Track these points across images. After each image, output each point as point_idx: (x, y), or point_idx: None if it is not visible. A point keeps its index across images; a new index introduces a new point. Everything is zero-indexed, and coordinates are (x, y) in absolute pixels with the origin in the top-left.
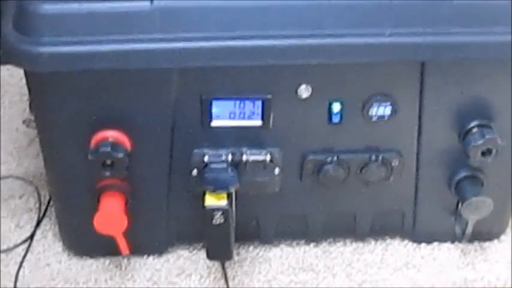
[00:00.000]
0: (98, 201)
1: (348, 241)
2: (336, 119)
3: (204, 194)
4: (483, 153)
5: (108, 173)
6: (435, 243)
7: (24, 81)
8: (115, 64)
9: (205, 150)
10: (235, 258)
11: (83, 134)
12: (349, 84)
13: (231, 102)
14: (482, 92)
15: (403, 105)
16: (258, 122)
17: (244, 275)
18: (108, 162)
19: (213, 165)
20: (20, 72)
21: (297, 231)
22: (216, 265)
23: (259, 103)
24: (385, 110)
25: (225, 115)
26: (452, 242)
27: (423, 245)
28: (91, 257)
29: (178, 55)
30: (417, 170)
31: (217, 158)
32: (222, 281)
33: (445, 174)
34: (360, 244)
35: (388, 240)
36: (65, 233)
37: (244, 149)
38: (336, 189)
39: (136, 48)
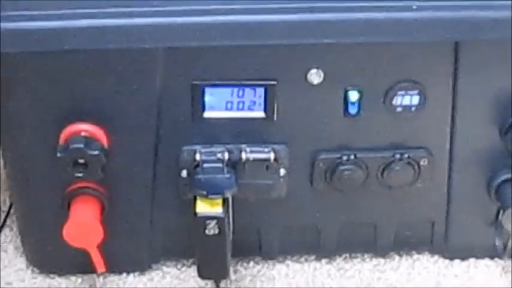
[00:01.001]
0: (68, 208)
1: (366, 257)
2: (353, 110)
3: (195, 200)
4: None
5: (80, 174)
6: (471, 260)
7: None
8: (89, 43)
9: (197, 147)
10: (232, 276)
11: (50, 128)
12: (368, 68)
13: (228, 90)
14: None
15: (433, 94)
16: (260, 114)
17: None
18: (81, 161)
19: (206, 165)
20: None
21: (306, 245)
22: (209, 284)
23: (261, 91)
24: (411, 99)
25: (220, 105)
26: (492, 258)
27: (457, 261)
28: (60, 274)
29: (165, 32)
30: (450, 171)
31: (211, 156)
32: None
33: (483, 177)
34: (381, 260)
35: (415, 256)
36: (28, 246)
37: (243, 146)
38: (352, 195)
39: (114, 24)
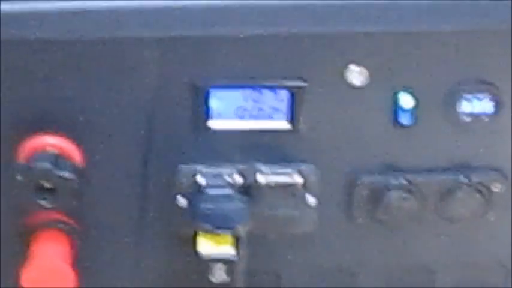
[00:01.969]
0: (29, 246)
1: None
2: (405, 119)
3: (196, 236)
4: None
5: (46, 203)
6: None
7: None
8: (62, 33)
9: (199, 167)
10: None
11: (6, 141)
12: (425, 65)
13: (239, 93)
14: None
15: (511, 99)
16: (282, 124)
17: None
18: (47, 185)
19: (211, 191)
20: None
21: None
22: None
23: (284, 94)
24: (483, 105)
25: (229, 112)
26: None
27: None
28: None
29: (160, 19)
30: None
31: (218, 179)
32: None
33: None
34: None
35: None
36: None
37: (259, 166)
38: (402, 231)
39: (95, 9)
